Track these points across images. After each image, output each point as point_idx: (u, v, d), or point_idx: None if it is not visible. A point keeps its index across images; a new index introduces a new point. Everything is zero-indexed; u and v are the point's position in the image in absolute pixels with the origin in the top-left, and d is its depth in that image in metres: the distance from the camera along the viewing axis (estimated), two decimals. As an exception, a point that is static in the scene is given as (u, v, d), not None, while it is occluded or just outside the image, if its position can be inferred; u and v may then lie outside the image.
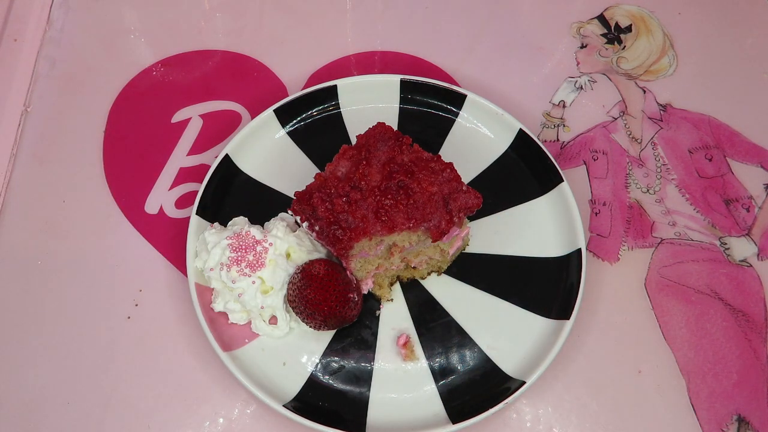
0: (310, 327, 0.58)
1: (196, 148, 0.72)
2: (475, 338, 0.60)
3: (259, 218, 0.63)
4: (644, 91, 0.77)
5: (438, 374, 0.59)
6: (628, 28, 0.82)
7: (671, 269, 0.66)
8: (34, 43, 0.78)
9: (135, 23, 0.81)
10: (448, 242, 0.60)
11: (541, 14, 0.83)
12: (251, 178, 0.68)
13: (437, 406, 0.57)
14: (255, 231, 0.59)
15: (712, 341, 0.62)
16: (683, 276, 0.66)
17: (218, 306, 0.59)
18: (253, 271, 0.57)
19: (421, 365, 0.59)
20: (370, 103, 0.72)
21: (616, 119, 0.75)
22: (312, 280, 0.56)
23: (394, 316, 0.62)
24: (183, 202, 0.68)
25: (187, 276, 0.60)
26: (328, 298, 0.56)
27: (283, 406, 0.55)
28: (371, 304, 0.62)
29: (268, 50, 0.79)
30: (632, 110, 0.76)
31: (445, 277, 0.64)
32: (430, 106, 0.72)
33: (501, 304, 0.62)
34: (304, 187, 0.59)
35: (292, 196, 0.59)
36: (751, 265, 0.66)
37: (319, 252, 0.60)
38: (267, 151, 0.69)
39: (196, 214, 0.63)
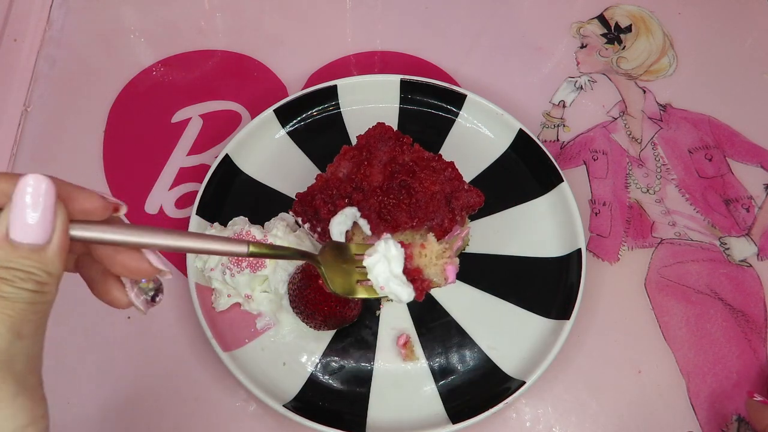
0: (310, 327, 0.58)
1: (196, 148, 0.72)
2: (475, 338, 0.61)
3: (259, 218, 0.63)
4: (644, 91, 0.77)
5: (438, 374, 0.59)
6: (628, 28, 0.82)
7: (671, 269, 0.66)
8: (34, 43, 0.78)
9: (135, 23, 0.81)
10: (449, 242, 0.60)
11: (541, 14, 0.83)
12: (251, 178, 0.68)
13: (437, 406, 0.57)
14: (255, 231, 0.59)
15: (712, 341, 0.62)
16: (683, 276, 0.66)
17: (219, 306, 0.59)
18: (254, 271, 0.58)
19: (421, 365, 0.59)
20: (370, 103, 0.72)
21: (616, 119, 0.75)
22: (312, 280, 0.56)
23: (394, 316, 0.62)
24: (183, 202, 0.68)
25: (187, 276, 0.60)
26: (328, 298, 0.56)
27: (283, 406, 0.55)
28: (371, 304, 0.62)
29: (268, 50, 0.79)
30: (632, 110, 0.76)
31: (445, 277, 0.64)
32: (430, 106, 0.72)
33: (501, 304, 0.62)
34: (305, 188, 0.58)
35: (292, 196, 0.59)
36: (751, 265, 0.66)
37: (320, 252, 0.60)
38: (267, 151, 0.69)
39: (196, 214, 0.63)
